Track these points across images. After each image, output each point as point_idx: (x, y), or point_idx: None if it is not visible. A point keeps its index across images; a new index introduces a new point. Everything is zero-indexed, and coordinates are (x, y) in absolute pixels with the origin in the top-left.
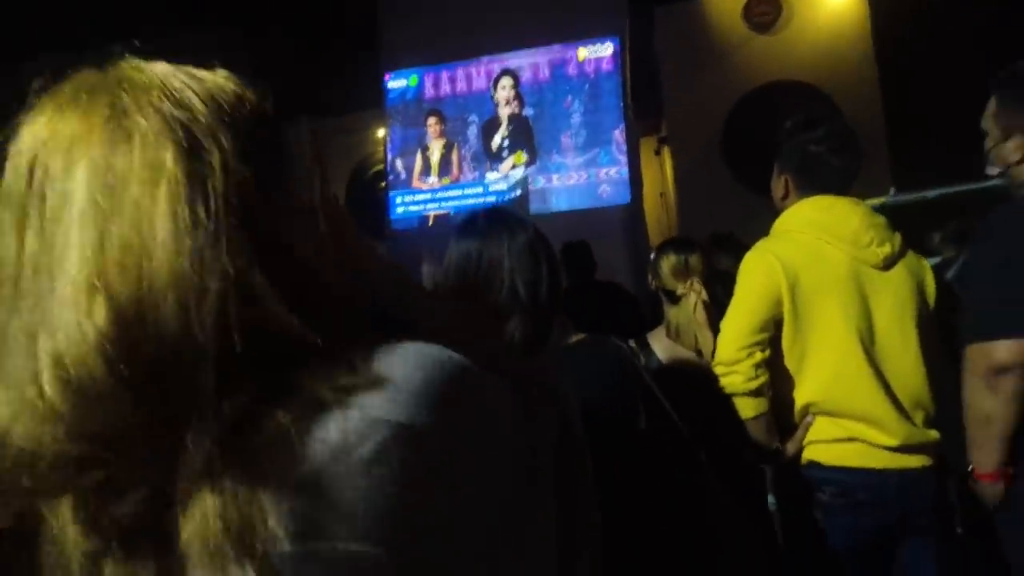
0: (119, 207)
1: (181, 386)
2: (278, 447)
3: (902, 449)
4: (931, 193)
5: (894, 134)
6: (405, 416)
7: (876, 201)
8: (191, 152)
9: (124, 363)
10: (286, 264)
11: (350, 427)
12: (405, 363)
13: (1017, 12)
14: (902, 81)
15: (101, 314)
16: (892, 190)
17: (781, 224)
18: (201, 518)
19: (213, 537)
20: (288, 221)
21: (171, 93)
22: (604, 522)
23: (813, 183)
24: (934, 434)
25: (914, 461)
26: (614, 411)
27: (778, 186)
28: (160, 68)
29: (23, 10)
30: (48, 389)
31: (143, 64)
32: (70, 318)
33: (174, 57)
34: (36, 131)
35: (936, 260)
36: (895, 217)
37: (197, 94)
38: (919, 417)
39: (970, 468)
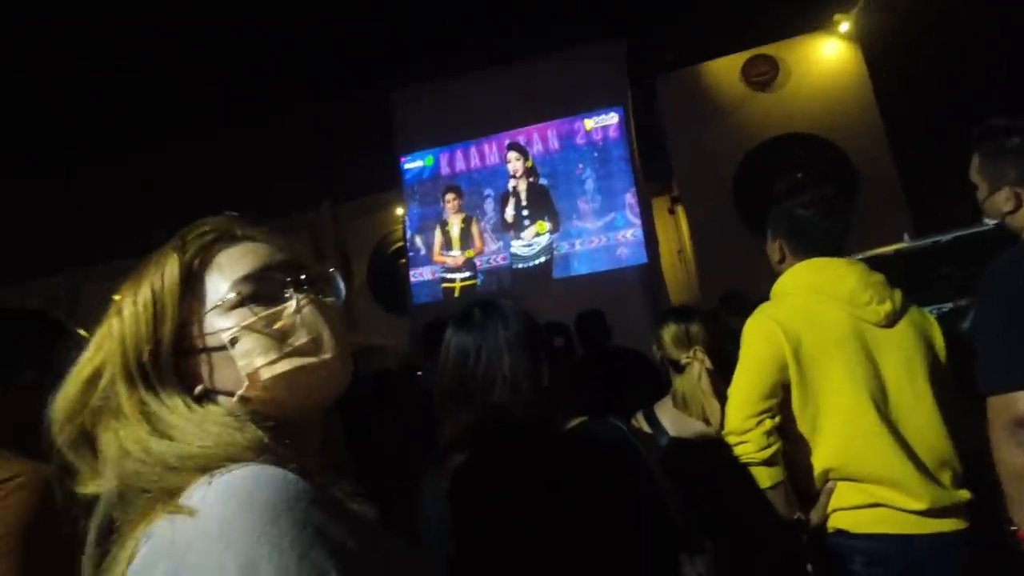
0: None
1: None
2: None
3: (930, 513)
4: (945, 237)
5: (906, 176)
6: None
7: (891, 248)
8: None
9: None
10: None
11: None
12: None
13: (1009, 39)
14: (907, 122)
15: None
16: (906, 236)
17: (779, 288)
18: None
19: None
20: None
21: None
22: None
23: (806, 246)
24: (964, 494)
25: (946, 525)
26: (609, 501)
27: (773, 251)
28: None
29: None
30: None
31: None
32: None
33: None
34: None
35: (948, 307)
36: (911, 263)
37: None
38: (945, 477)
39: (1013, 528)
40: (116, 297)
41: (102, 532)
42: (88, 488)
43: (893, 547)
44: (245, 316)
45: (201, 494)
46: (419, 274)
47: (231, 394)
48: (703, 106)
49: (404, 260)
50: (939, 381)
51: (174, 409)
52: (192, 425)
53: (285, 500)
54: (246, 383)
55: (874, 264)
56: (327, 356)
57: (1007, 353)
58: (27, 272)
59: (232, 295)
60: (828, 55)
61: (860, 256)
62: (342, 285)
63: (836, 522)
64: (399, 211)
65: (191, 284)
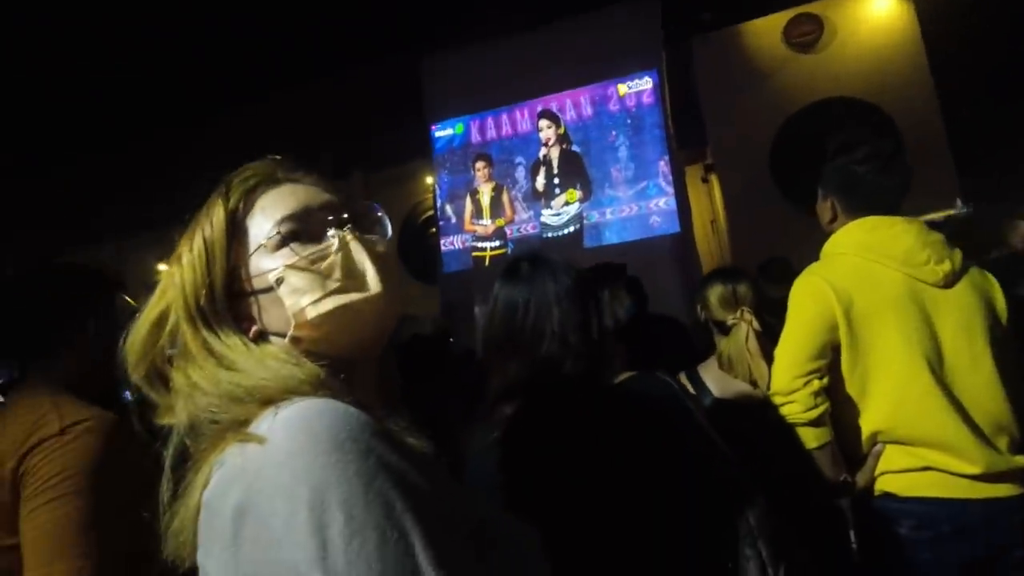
0: None
1: None
2: None
3: (985, 478)
4: (1000, 205)
5: (957, 142)
6: None
7: (942, 214)
8: None
9: None
10: None
11: None
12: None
13: None
14: (961, 86)
15: None
16: (959, 202)
17: (830, 247)
18: None
19: None
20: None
21: None
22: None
23: (859, 204)
24: (1021, 460)
25: (1001, 490)
26: (658, 454)
27: (824, 210)
28: None
29: None
30: None
31: None
32: None
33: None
34: None
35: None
36: (964, 230)
37: None
38: (1002, 442)
39: None
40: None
41: (177, 460)
42: (164, 419)
43: (943, 511)
44: (289, 256)
45: (268, 424)
46: (450, 243)
47: (283, 335)
48: (741, 69)
49: (434, 229)
50: (999, 344)
51: (234, 348)
52: (252, 361)
53: (348, 430)
54: (293, 323)
55: None
56: (372, 293)
57: None
58: (75, 240)
59: (275, 235)
60: (877, 12)
61: None
62: (388, 223)
63: (883, 485)
64: (429, 180)
65: (237, 228)
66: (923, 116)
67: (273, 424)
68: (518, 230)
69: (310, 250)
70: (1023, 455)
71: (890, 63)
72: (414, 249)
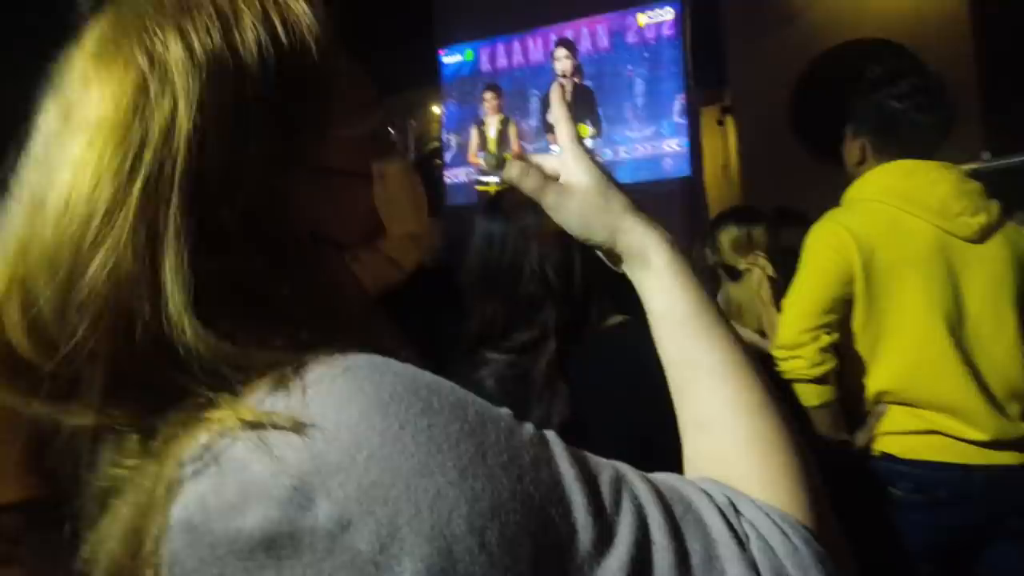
0: (44, 153)
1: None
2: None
3: (991, 444)
4: None
5: (989, 92)
6: None
7: (967, 167)
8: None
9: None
10: (242, 257)
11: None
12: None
13: None
14: (1000, 36)
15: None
16: (987, 154)
17: (855, 192)
18: None
19: None
20: (283, 189)
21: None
22: None
23: (894, 145)
24: None
25: (1005, 458)
26: (651, 401)
27: (852, 150)
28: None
29: None
30: None
31: None
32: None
33: None
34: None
35: None
36: (989, 185)
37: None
38: (1014, 409)
39: None
40: None
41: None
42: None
43: (943, 476)
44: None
45: (303, 399)
46: (454, 175)
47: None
48: (769, 5)
49: (439, 161)
50: None
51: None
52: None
53: (421, 384)
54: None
55: None
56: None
57: None
58: None
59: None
60: None
61: None
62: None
63: (884, 446)
64: (436, 109)
65: None
66: (955, 61)
67: (315, 399)
68: None
69: None
70: None
71: (926, 2)
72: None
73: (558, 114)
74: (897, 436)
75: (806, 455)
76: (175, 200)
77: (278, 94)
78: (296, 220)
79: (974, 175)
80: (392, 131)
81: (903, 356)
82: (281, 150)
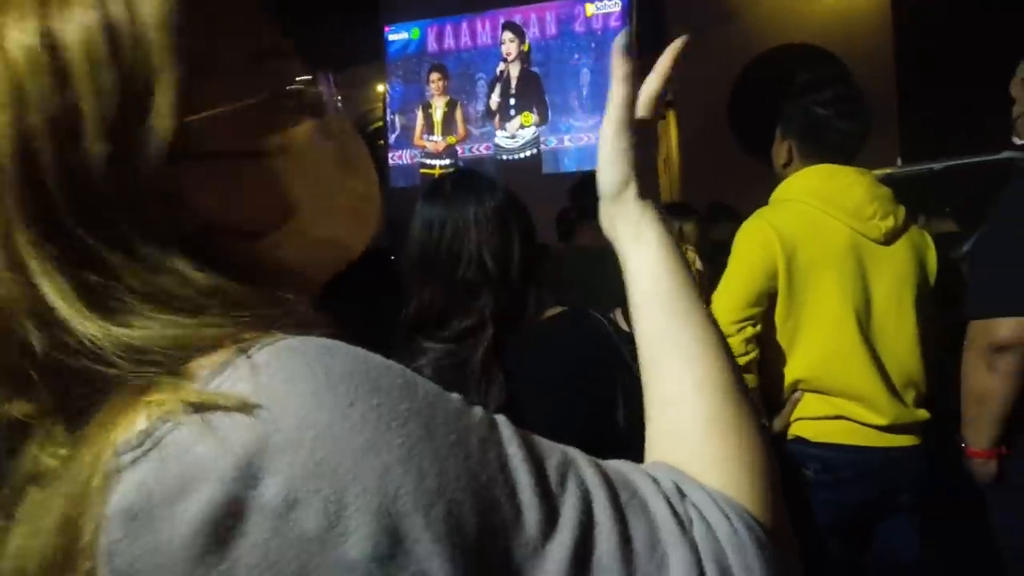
0: None
1: None
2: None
3: (889, 429)
4: (938, 165)
5: (905, 104)
6: None
7: (881, 172)
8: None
9: None
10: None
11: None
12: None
13: None
14: (918, 49)
15: None
16: (899, 161)
17: (782, 193)
18: None
19: None
20: (150, 182)
21: None
22: None
23: (818, 149)
24: (923, 413)
25: (900, 440)
26: (587, 393)
27: (780, 152)
28: None
29: None
30: None
31: None
32: None
33: None
34: None
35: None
36: (899, 190)
37: None
38: (909, 396)
39: (963, 445)
40: None
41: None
42: None
43: (848, 457)
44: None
45: (248, 376)
46: (398, 157)
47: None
48: (711, 3)
49: (383, 141)
50: (924, 303)
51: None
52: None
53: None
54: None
55: None
56: None
57: (1002, 278)
58: None
59: None
60: None
61: None
62: None
63: (797, 430)
64: (380, 88)
65: None
66: (877, 72)
67: (262, 378)
68: (470, 149)
69: None
70: (924, 409)
71: (855, 13)
72: None
73: (620, 72)
74: (809, 421)
75: (766, 439)
76: (15, 213)
77: (116, 84)
78: (182, 214)
79: (885, 180)
80: (317, 90)
81: (817, 347)
82: (133, 143)
